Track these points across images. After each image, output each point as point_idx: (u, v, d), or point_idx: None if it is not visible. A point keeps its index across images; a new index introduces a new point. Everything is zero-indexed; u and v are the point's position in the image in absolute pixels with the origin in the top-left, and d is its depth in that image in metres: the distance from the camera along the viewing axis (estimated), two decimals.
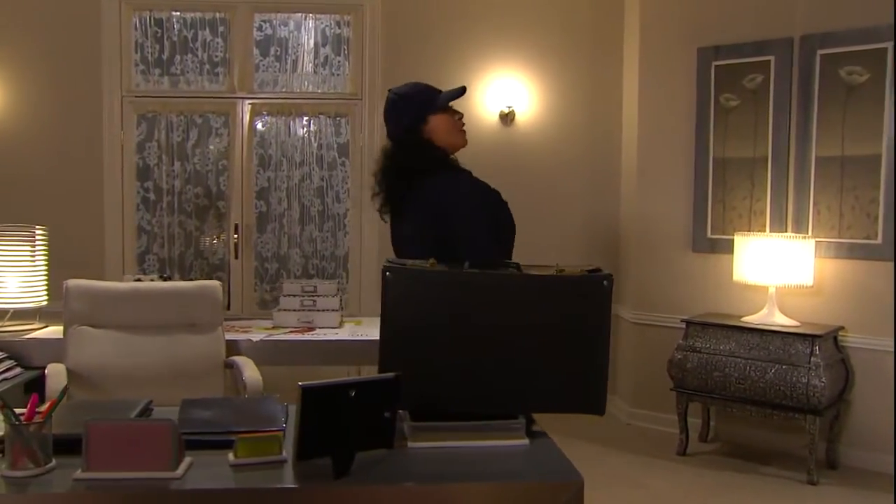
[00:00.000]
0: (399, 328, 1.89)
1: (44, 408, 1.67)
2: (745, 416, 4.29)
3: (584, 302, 1.94)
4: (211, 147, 5.04)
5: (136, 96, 4.95)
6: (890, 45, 3.93)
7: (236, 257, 4.97)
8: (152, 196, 5.03)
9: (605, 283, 1.94)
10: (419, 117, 2.40)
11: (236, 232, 4.96)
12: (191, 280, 4.20)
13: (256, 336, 3.36)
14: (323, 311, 3.55)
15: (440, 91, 2.47)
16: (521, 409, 1.94)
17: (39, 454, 1.61)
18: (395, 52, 4.98)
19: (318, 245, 5.06)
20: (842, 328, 4.11)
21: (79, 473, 1.58)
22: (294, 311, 3.55)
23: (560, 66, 5.14)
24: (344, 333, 3.52)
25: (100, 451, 1.58)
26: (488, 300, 1.91)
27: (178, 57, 4.98)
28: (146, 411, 1.98)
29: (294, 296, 3.56)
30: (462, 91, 2.45)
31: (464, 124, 2.47)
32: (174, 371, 2.95)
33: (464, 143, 2.46)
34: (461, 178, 2.38)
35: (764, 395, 3.97)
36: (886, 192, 3.96)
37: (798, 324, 4.09)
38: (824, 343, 3.92)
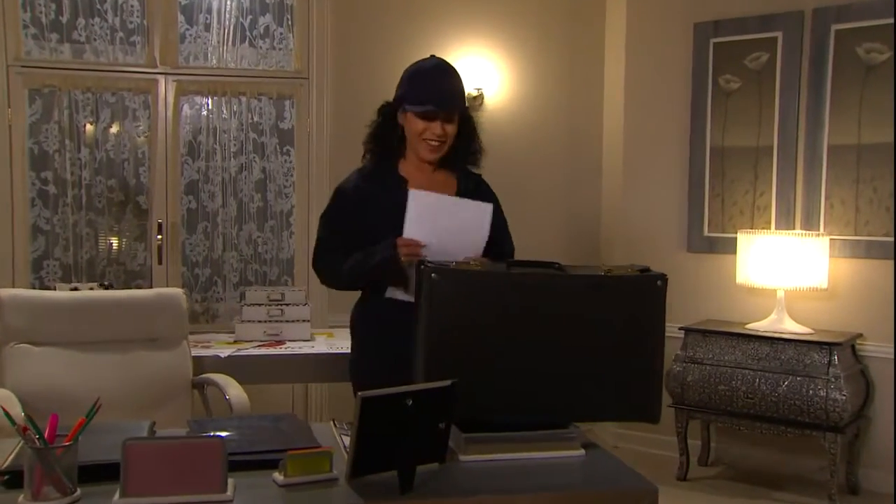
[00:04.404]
0: (442, 334, 2.08)
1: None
2: (755, 435, 4.60)
3: (636, 303, 2.19)
4: (127, 131, 5.07)
5: (27, 66, 4.92)
6: None
7: (160, 263, 5.01)
8: (52, 189, 5.00)
9: (658, 282, 2.19)
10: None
11: (160, 232, 5.00)
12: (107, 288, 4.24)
13: (224, 351, 3.49)
14: (292, 322, 3.70)
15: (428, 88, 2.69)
16: (571, 417, 2.17)
17: (66, 482, 1.73)
18: (347, 24, 5.13)
19: (258, 247, 5.16)
20: (860, 335, 4.47)
21: (117, 499, 1.71)
22: (259, 322, 3.69)
23: (535, 44, 5.39)
24: (320, 347, 3.71)
25: (141, 474, 1.72)
26: (536, 303, 2.13)
27: (81, 20, 4.97)
28: (152, 434, 2.11)
29: (259, 305, 3.70)
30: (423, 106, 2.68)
31: (433, 137, 2.67)
32: (135, 392, 3.05)
33: (425, 157, 2.72)
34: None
35: (776, 410, 4.29)
36: None
37: (811, 331, 4.43)
38: (842, 352, 4.27)
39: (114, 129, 5.05)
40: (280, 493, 1.80)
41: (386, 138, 2.73)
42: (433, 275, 2.07)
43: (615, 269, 2.22)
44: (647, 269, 2.24)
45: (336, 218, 2.74)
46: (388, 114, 2.75)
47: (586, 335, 2.14)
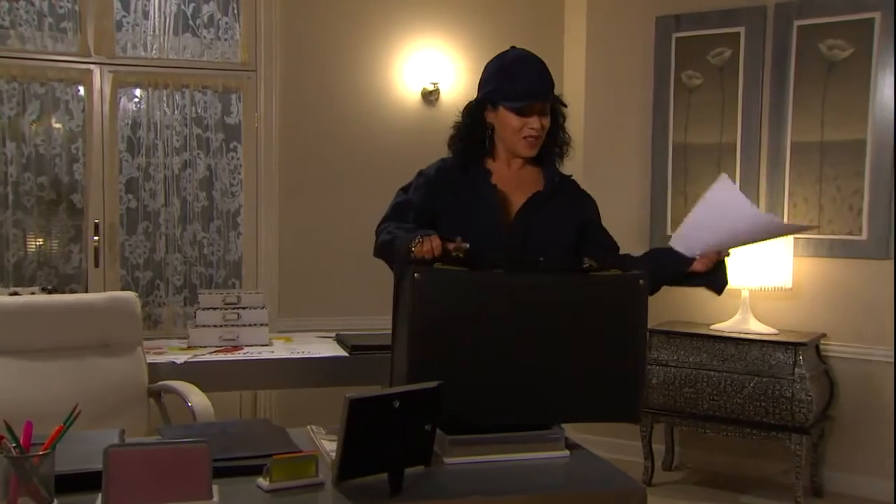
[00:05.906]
0: (424, 334, 2.16)
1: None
2: (719, 438, 4.77)
3: (618, 302, 2.29)
4: (58, 125, 5.04)
5: None
6: (877, 15, 4.49)
7: (97, 265, 5.00)
8: None
9: (640, 281, 2.30)
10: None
11: (97, 233, 4.99)
12: (50, 292, 4.23)
13: (180, 357, 3.52)
14: (249, 326, 3.76)
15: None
16: (552, 418, 2.27)
17: (43, 492, 1.76)
18: (296, 14, 5.16)
19: (203, 249, 5.17)
20: (823, 335, 4.66)
21: None
22: (215, 326, 3.73)
23: (492, 37, 5.46)
24: (281, 351, 3.78)
25: (124, 483, 1.76)
26: (518, 303, 2.22)
27: (4, 3, 4.92)
28: (122, 442, 2.15)
29: (214, 309, 3.74)
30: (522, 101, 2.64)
31: (531, 133, 2.64)
32: (88, 401, 2.98)
33: (524, 153, 2.69)
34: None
35: (742, 412, 4.45)
36: (872, 183, 4.53)
37: (776, 331, 4.61)
38: (807, 352, 4.46)
39: (43, 123, 5.01)
40: (266, 498, 1.86)
41: (475, 139, 2.69)
42: (416, 274, 2.14)
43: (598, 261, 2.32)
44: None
45: (413, 190, 2.70)
46: (474, 113, 2.70)
47: (568, 335, 2.24)
